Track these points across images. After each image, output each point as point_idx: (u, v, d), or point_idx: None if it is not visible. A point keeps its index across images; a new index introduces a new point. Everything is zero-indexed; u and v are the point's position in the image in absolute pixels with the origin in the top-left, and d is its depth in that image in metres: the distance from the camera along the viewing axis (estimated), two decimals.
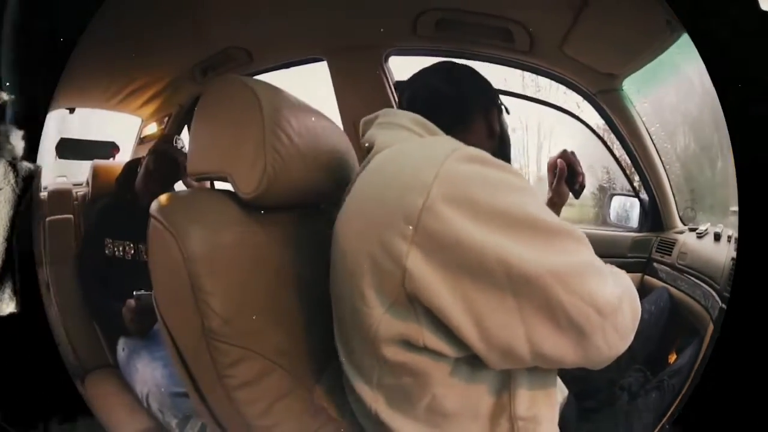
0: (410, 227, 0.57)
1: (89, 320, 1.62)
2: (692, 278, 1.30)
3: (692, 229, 1.41)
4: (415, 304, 0.60)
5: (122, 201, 1.54)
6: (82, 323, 1.62)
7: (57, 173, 1.85)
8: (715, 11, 0.69)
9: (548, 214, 0.61)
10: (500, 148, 0.84)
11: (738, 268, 0.70)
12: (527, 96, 1.11)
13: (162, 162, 1.48)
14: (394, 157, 0.65)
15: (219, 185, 0.84)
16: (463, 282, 0.58)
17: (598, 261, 0.63)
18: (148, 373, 1.26)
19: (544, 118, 1.23)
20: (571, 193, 1.05)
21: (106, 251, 1.50)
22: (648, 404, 0.95)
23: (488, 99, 0.84)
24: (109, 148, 1.75)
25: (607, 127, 1.21)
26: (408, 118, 0.71)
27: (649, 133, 1.28)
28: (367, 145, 0.71)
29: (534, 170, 1.00)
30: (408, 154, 0.64)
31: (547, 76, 1.13)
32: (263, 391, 0.69)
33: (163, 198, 0.72)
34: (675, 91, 1.34)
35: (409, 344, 0.62)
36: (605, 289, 0.60)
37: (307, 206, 0.72)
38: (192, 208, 0.69)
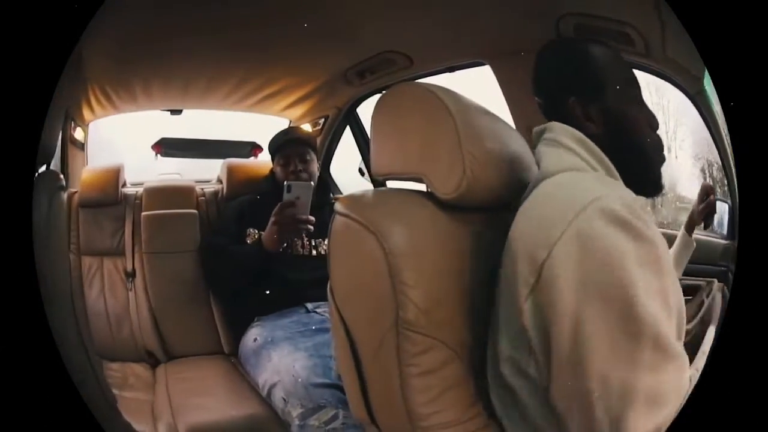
0: (533, 275, 0.64)
1: (188, 309, 1.68)
2: None
3: None
4: (529, 336, 0.66)
5: (269, 195, 1.59)
6: (179, 311, 1.68)
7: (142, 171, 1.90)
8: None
9: (658, 312, 0.62)
10: (606, 134, 0.78)
11: (738, 269, 0.72)
12: None
13: (298, 147, 1.54)
14: (542, 199, 0.69)
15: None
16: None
17: (672, 380, 0.64)
18: (286, 364, 1.29)
19: (669, 119, 1.24)
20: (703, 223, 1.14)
21: (249, 241, 1.55)
22: None
23: (579, 81, 0.80)
24: (249, 148, 1.81)
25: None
26: (568, 135, 0.75)
27: (727, 135, 1.28)
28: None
29: (668, 175, 1.00)
30: (548, 202, 0.68)
31: (660, 77, 1.15)
32: (439, 380, 0.73)
33: (350, 197, 0.76)
34: None
35: (520, 367, 0.69)
36: (649, 422, 0.63)
37: (497, 206, 0.76)
38: (390, 207, 0.73)
